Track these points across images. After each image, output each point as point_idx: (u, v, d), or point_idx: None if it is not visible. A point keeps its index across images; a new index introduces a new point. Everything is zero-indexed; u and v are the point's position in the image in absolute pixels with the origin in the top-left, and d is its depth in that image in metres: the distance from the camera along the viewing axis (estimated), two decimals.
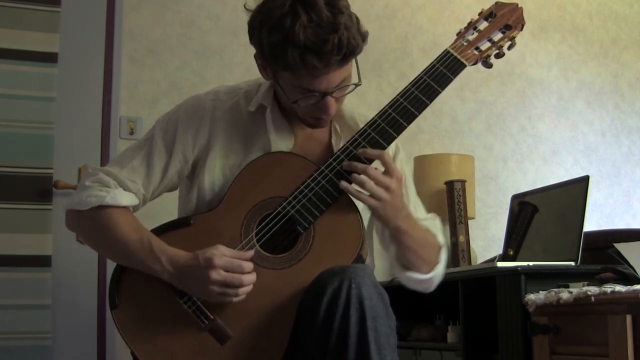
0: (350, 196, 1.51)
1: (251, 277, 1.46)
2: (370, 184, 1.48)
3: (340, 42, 1.42)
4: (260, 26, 1.48)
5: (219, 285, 1.44)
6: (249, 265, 1.46)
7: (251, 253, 1.49)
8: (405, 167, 1.71)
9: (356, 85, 1.54)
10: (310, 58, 1.41)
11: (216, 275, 1.43)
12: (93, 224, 1.55)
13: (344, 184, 1.48)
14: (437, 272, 1.62)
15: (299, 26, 1.40)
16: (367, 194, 1.48)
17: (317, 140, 1.66)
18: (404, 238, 1.55)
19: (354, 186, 1.49)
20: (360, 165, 1.49)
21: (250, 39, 1.55)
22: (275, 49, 1.44)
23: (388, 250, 1.65)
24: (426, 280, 1.61)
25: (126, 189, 1.57)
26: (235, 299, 1.46)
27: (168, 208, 1.81)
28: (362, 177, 1.48)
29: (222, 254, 1.45)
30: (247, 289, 1.46)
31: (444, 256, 1.63)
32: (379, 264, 1.69)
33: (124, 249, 1.52)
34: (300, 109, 1.56)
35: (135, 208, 1.61)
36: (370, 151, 1.51)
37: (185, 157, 1.61)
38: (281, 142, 1.61)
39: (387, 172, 1.50)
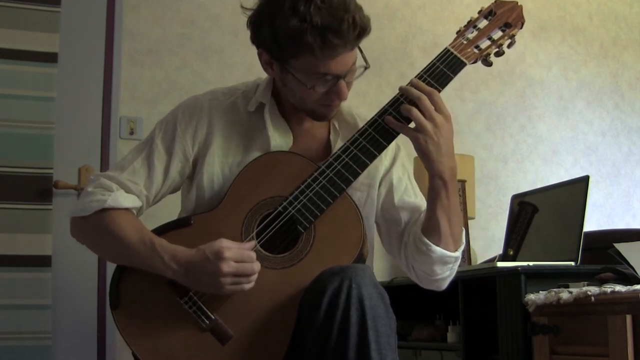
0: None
1: (258, 266, 1.47)
2: (417, 113, 1.49)
3: (355, 20, 1.47)
4: (272, 17, 1.49)
5: (231, 277, 1.44)
6: (254, 254, 1.47)
7: (253, 243, 1.49)
8: (406, 165, 1.71)
9: (365, 68, 1.56)
10: (330, 37, 1.45)
11: (227, 267, 1.43)
12: (96, 228, 1.55)
13: (388, 117, 1.51)
14: (459, 255, 1.57)
15: (314, 8, 1.45)
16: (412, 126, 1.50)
17: (315, 137, 1.67)
18: (442, 196, 1.51)
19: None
20: (416, 92, 1.51)
21: (257, 35, 1.56)
22: (295, 34, 1.46)
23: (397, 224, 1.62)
24: (453, 260, 1.56)
25: (128, 190, 1.57)
26: (247, 287, 1.45)
27: (169, 208, 1.81)
28: (410, 107, 1.49)
29: (228, 246, 1.45)
30: (255, 277, 1.46)
31: (464, 240, 1.60)
32: (379, 264, 1.68)
33: (126, 249, 1.52)
34: (312, 98, 1.56)
35: (140, 211, 1.61)
36: (423, 86, 1.52)
37: (185, 156, 1.62)
38: (280, 139, 1.62)
39: (436, 109, 1.51)
